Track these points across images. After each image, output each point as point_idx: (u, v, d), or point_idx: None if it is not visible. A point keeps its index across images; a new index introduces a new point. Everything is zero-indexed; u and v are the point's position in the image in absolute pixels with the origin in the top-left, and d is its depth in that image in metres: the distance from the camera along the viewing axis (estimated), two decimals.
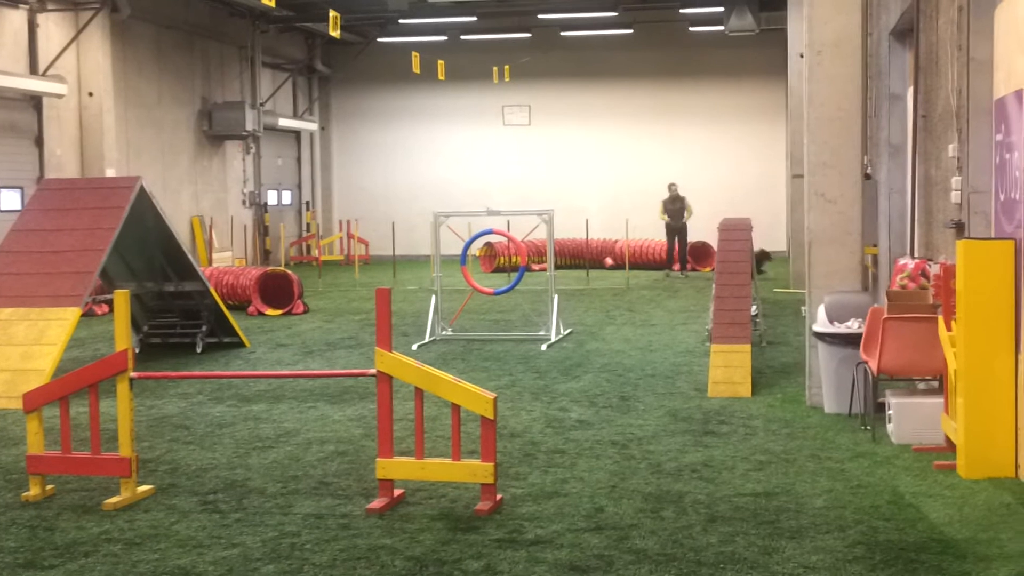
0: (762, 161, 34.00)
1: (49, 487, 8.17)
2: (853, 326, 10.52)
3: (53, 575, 6.43)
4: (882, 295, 11.07)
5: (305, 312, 20.21)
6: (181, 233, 18.23)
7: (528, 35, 34.06)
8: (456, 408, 7.64)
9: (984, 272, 8.02)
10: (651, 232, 31.82)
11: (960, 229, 9.47)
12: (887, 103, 12.85)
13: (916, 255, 11.52)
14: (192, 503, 7.90)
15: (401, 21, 32.09)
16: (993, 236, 8.58)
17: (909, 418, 9.25)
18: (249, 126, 30.22)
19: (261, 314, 19.95)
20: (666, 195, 28.08)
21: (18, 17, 22.66)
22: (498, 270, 28.49)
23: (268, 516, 7.54)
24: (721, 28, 30.40)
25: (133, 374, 7.98)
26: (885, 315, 9.45)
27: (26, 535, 7.22)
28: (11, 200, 22.29)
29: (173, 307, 15.95)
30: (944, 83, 10.31)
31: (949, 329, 8.52)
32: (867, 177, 12.33)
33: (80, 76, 24.29)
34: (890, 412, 9.42)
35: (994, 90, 8.61)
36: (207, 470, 8.87)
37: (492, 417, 7.50)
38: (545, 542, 6.83)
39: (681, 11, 32.08)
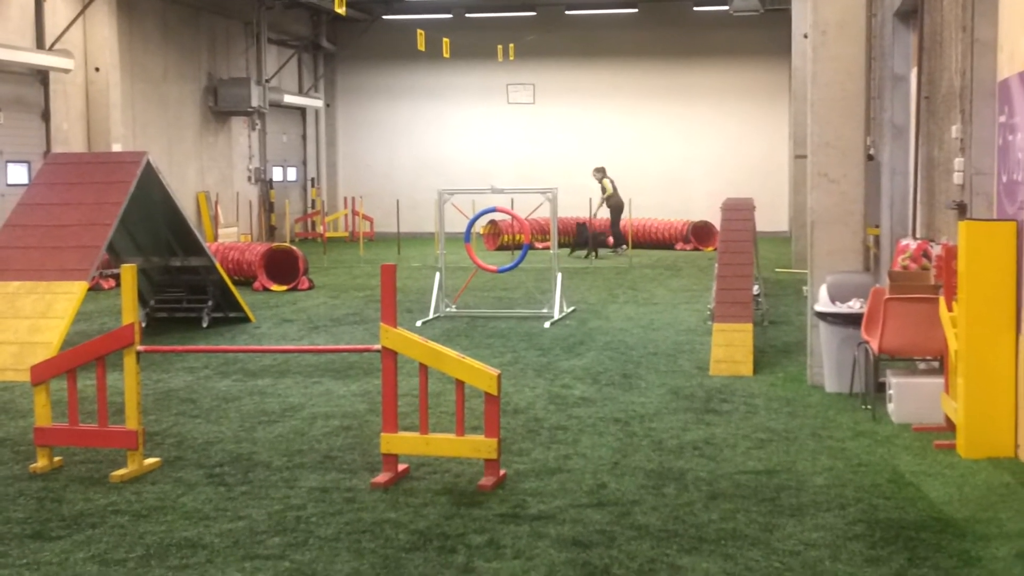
0: (765, 141, 33.99)
1: (57, 459, 8.25)
2: (855, 306, 10.57)
3: (61, 546, 6.50)
4: (884, 275, 11.13)
5: (310, 288, 20.27)
6: (187, 208, 18.27)
7: (533, 13, 34.02)
8: (460, 384, 7.69)
9: (986, 253, 8.06)
10: (654, 211, 31.86)
11: (962, 210, 9.51)
12: (890, 84, 12.87)
13: (918, 236, 11.56)
14: (198, 476, 7.98)
15: None
16: (995, 217, 8.63)
17: (909, 398, 9.30)
18: (255, 102, 30.21)
19: (266, 290, 20.01)
20: (606, 180, 28.37)
21: None
22: (502, 248, 28.53)
23: (274, 489, 7.61)
24: (725, 8, 30.37)
25: (140, 348, 8.04)
26: (887, 295, 9.50)
27: (34, 506, 7.30)
28: (18, 174, 22.32)
29: (179, 282, 16.01)
30: (948, 64, 10.34)
31: (950, 310, 8.57)
32: (870, 158, 12.36)
33: (87, 51, 24.30)
34: (891, 392, 9.47)
35: (998, 71, 8.64)
36: (213, 443, 8.94)
37: (496, 393, 7.55)
38: (548, 517, 6.90)
39: None
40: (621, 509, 7.05)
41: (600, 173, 28.46)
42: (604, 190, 28.08)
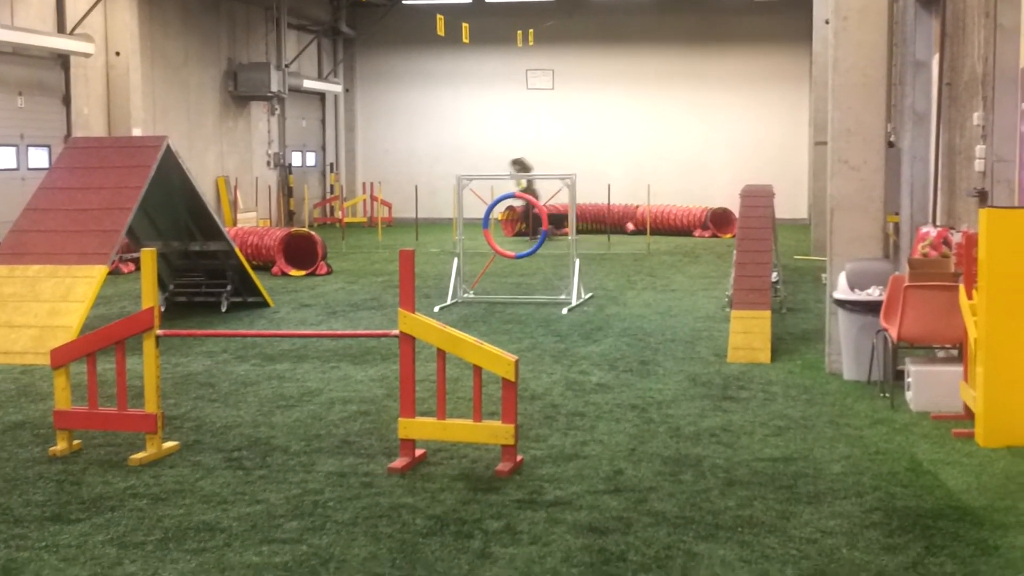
0: (785, 127, 33.86)
1: (76, 442, 8.29)
2: (874, 293, 10.53)
3: (80, 528, 6.54)
4: (903, 263, 11.09)
5: (328, 273, 20.30)
6: (206, 193, 18.29)
7: None
8: (478, 370, 7.71)
9: (1007, 241, 8.02)
10: (673, 198, 31.81)
11: (983, 197, 9.48)
12: (912, 70, 12.82)
13: (938, 223, 11.53)
14: (217, 460, 8.01)
15: None
16: (1016, 205, 8.59)
17: (928, 386, 9.27)
18: (274, 87, 30.24)
19: (285, 274, 20.06)
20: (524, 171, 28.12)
21: None
22: (520, 234, 28.52)
23: (291, 473, 7.64)
24: None
25: (159, 332, 8.07)
26: (906, 283, 9.47)
27: (53, 489, 7.34)
28: (39, 158, 22.40)
29: (198, 266, 16.06)
30: (970, 51, 10.29)
31: (970, 297, 8.53)
32: (890, 145, 12.32)
33: (107, 35, 24.34)
34: (909, 380, 9.45)
35: (1021, 58, 8.59)
36: (231, 427, 8.97)
37: (513, 379, 7.55)
38: (564, 503, 6.91)
39: None
40: (638, 496, 7.05)
41: (518, 165, 27.83)
42: (519, 184, 27.56)
